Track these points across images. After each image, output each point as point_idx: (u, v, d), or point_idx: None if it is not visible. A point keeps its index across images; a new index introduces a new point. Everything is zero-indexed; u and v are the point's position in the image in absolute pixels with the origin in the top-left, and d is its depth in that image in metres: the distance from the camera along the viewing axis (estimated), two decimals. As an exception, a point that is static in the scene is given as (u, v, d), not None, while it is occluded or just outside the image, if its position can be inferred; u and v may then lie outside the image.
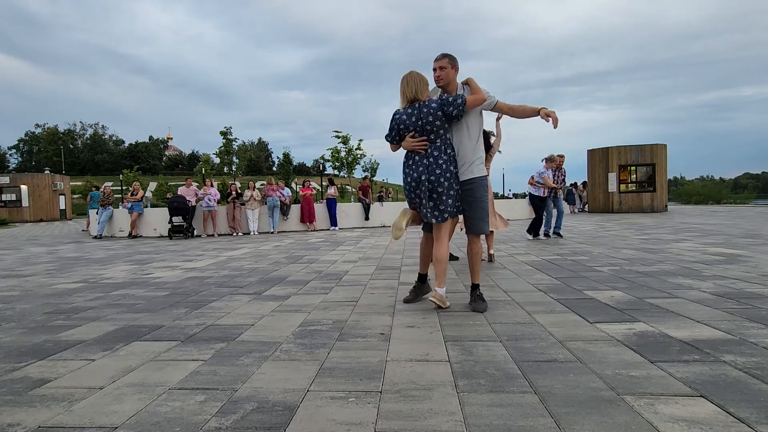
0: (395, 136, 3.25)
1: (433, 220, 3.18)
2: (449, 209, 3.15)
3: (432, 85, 3.25)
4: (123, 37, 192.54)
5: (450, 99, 3.06)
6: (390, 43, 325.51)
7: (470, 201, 3.22)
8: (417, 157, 3.15)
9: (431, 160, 3.09)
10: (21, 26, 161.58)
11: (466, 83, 3.26)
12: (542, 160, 8.36)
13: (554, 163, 8.41)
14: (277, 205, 12.85)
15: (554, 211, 8.63)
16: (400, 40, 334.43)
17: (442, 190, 3.09)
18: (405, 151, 3.26)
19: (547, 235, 8.42)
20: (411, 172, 3.18)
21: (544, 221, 8.35)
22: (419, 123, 3.09)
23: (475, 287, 3.33)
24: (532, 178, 8.28)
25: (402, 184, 3.42)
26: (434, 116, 3.06)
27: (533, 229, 8.32)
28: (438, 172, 3.08)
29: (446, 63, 3.15)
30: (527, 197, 9.29)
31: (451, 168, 3.12)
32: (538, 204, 8.24)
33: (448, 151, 3.12)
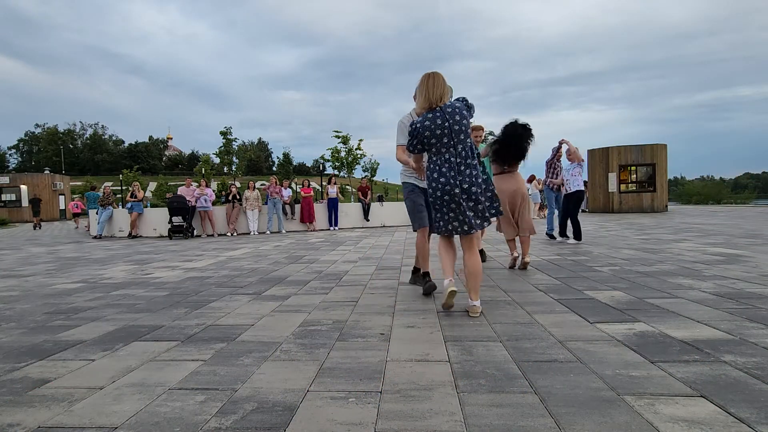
0: (417, 144, 3.06)
1: (472, 231, 3.01)
2: (486, 214, 3.06)
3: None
4: (117, 37, 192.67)
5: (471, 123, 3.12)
6: (384, 43, 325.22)
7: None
8: (449, 164, 2.95)
9: (463, 168, 2.93)
10: (16, 27, 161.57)
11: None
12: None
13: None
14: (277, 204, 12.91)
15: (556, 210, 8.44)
16: (394, 40, 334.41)
17: (475, 198, 2.98)
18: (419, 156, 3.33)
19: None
20: (443, 179, 2.97)
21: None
22: (446, 125, 2.91)
23: (424, 274, 3.78)
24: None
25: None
26: (461, 115, 2.94)
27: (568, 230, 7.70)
28: (475, 178, 2.96)
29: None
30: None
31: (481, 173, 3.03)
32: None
33: (472, 156, 3.00)
